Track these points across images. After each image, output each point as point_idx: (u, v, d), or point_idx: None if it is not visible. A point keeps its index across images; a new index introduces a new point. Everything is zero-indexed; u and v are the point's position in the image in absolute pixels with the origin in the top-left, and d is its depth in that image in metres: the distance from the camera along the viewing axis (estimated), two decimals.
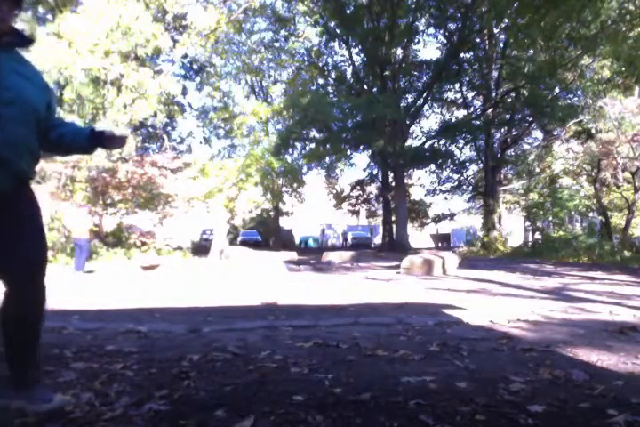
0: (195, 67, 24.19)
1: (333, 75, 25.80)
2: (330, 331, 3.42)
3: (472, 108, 24.31)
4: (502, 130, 23.38)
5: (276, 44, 27.09)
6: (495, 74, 22.19)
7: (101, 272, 9.83)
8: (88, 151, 1.94)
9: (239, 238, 31.74)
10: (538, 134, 24.73)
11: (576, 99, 21.16)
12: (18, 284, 1.70)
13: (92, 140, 1.83)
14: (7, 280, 1.70)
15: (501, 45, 22.05)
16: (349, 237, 35.93)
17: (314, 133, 23.63)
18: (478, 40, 22.02)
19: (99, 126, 13.37)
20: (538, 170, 22.53)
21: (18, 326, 1.74)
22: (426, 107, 24.86)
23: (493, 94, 21.96)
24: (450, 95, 24.99)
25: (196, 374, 2.29)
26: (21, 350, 1.78)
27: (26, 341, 1.78)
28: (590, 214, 22.64)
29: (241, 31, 25.55)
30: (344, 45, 24.59)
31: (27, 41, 1.75)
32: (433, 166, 24.59)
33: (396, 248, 21.49)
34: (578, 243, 16.64)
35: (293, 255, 14.26)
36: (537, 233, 22.48)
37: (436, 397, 1.98)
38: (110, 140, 1.86)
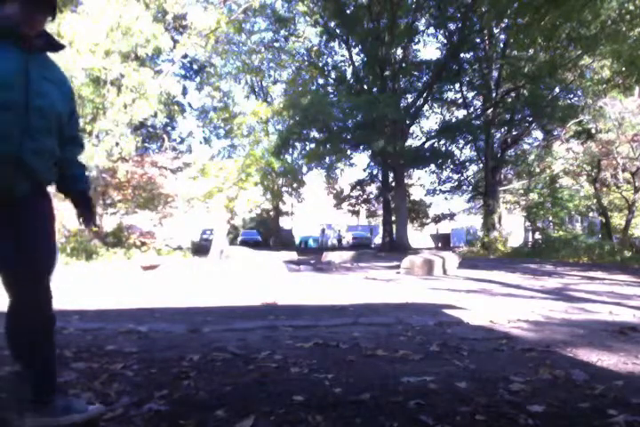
0: (195, 67, 24.19)
1: (333, 75, 25.78)
2: (330, 331, 3.42)
3: (472, 108, 24.27)
4: (502, 130, 23.34)
5: (276, 44, 27.10)
6: (495, 74, 22.16)
7: (101, 272, 9.82)
8: (69, 190, 1.84)
9: (239, 238, 31.70)
10: (538, 134, 24.72)
11: (576, 99, 21.14)
12: (24, 286, 1.63)
13: (76, 193, 1.82)
14: (13, 283, 1.62)
15: (501, 45, 22.01)
16: (345, 239, 35.83)
17: (314, 133, 23.61)
18: (478, 40, 21.98)
19: (99, 126, 13.41)
20: (538, 170, 22.49)
21: (27, 335, 1.66)
22: (426, 107, 24.82)
23: (493, 94, 21.93)
24: (450, 95, 24.96)
25: (196, 374, 2.29)
26: (36, 362, 1.68)
27: (39, 351, 1.68)
28: (590, 214, 22.62)
29: (241, 31, 25.54)
30: (344, 45, 24.59)
31: (57, 46, 1.73)
32: (433, 166, 24.58)
33: (396, 248, 21.47)
34: (578, 243, 16.63)
35: (293, 255, 14.23)
36: (537, 233, 22.45)
37: (436, 397, 1.98)
38: (83, 207, 1.83)
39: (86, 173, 1.90)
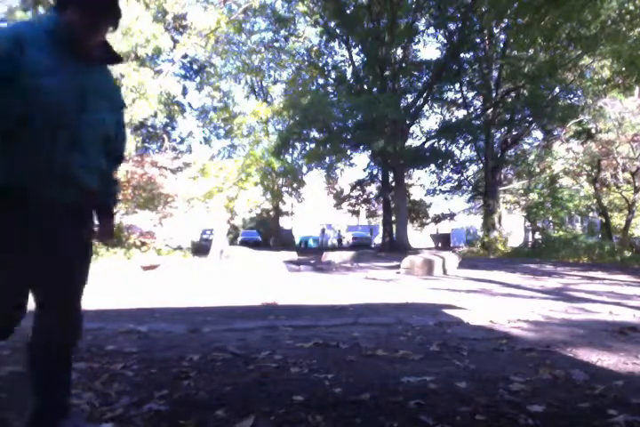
0: (195, 67, 24.20)
1: (333, 75, 25.78)
2: (330, 331, 3.42)
3: (472, 108, 24.28)
4: (502, 130, 23.35)
5: (276, 44, 27.10)
6: (495, 74, 22.16)
7: (101, 272, 9.81)
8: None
9: (239, 238, 31.70)
10: (538, 134, 24.73)
11: (576, 99, 21.16)
12: (52, 301, 1.58)
13: (104, 207, 1.78)
14: (41, 297, 1.56)
15: (501, 45, 22.02)
16: (345, 239, 35.82)
17: (314, 133, 23.62)
18: (478, 40, 21.99)
19: None
20: (538, 170, 22.50)
21: (48, 353, 1.57)
22: (426, 107, 24.82)
23: (493, 94, 21.93)
24: (450, 95, 24.96)
25: (196, 374, 2.29)
26: (53, 382, 1.57)
27: (56, 371, 1.58)
28: (590, 214, 22.62)
29: (241, 31, 25.53)
30: (344, 45, 24.60)
31: (116, 58, 1.64)
32: (433, 166, 24.58)
33: (396, 248, 21.46)
34: (578, 243, 16.63)
35: (293, 255, 14.23)
36: (537, 233, 22.46)
37: (436, 397, 1.98)
38: (106, 222, 1.79)
39: (117, 189, 1.84)
